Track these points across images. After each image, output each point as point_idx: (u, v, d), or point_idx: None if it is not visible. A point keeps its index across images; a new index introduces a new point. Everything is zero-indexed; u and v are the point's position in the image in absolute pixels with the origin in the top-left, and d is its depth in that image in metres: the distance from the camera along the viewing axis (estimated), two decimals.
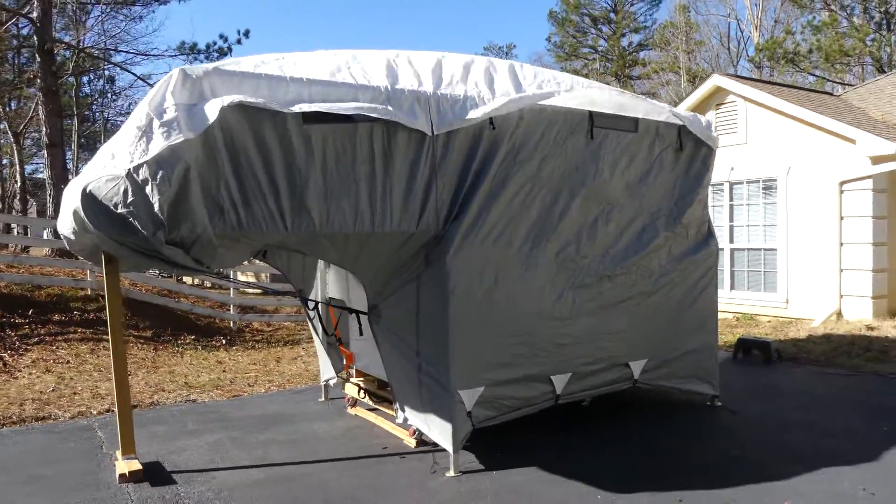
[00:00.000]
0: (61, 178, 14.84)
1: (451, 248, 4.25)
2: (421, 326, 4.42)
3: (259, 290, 14.36)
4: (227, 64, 3.74)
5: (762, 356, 7.35)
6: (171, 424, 5.68)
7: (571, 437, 5.05)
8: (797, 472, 4.23)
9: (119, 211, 3.33)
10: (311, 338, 11.84)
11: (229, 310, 12.24)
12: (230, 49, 21.07)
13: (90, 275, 11.14)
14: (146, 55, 21.49)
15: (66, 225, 3.89)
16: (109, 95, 31.05)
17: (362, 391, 5.58)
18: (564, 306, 4.76)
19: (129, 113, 25.09)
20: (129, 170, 3.28)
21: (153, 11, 33.14)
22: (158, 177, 3.28)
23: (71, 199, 4.08)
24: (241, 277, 14.57)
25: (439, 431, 4.41)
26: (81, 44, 22.82)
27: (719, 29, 41.28)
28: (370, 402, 5.71)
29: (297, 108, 3.62)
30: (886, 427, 5.06)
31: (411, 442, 4.94)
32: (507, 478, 4.26)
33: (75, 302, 10.61)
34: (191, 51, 21.58)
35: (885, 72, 31.79)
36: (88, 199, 3.35)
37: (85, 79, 28.28)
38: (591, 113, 4.86)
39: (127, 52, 23.36)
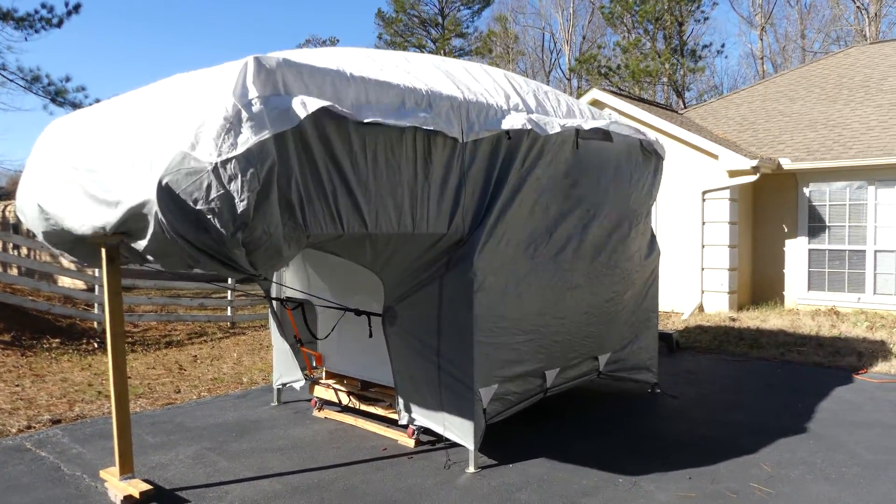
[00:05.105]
0: None
1: (476, 250, 4.36)
2: (443, 327, 4.47)
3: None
4: (293, 55, 3.53)
5: (665, 346, 8.22)
6: None
7: (553, 427, 5.37)
8: (762, 444, 4.91)
9: (198, 207, 3.05)
10: (190, 338, 11.16)
11: (93, 309, 11.04)
12: (60, 22, 18.82)
13: None
14: None
15: (86, 218, 3.44)
16: None
17: (349, 394, 5.46)
18: (563, 305, 5.07)
19: None
20: (217, 164, 3.02)
21: None
22: (249, 173, 3.06)
23: (72, 184, 3.64)
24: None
25: (459, 430, 4.51)
26: None
27: (535, 40, 44.35)
28: (341, 404, 5.59)
29: (370, 120, 3.58)
30: (801, 404, 5.99)
31: (409, 442, 4.96)
32: (527, 470, 4.47)
33: None
34: (5, 17, 18.93)
35: (680, 92, 36.34)
36: (165, 192, 3.02)
37: None
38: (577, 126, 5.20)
39: None
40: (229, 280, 11.24)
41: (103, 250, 3.82)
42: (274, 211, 3.23)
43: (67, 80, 18.43)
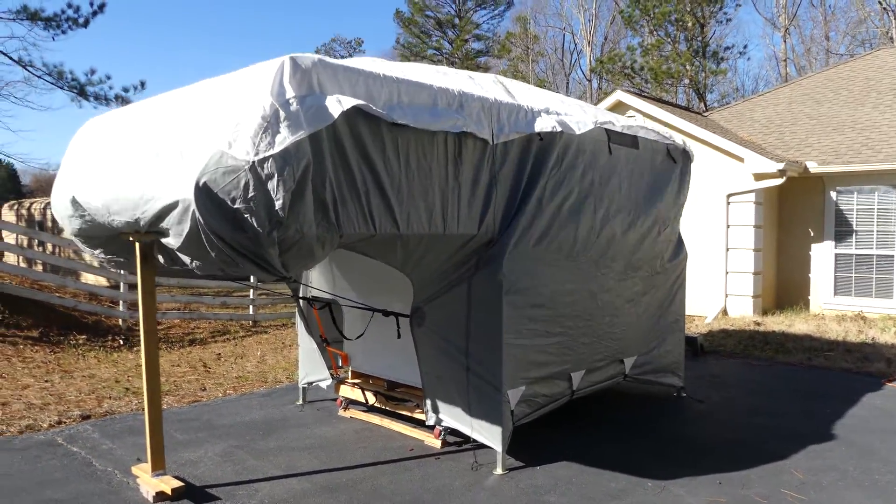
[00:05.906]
0: None
1: (506, 251, 4.36)
2: (472, 328, 4.47)
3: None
4: (327, 57, 3.56)
5: (689, 349, 8.13)
6: None
7: (580, 429, 5.34)
8: (792, 450, 4.85)
9: (236, 206, 3.07)
10: (213, 336, 11.25)
11: (118, 306, 11.17)
12: (87, 22, 19.09)
13: None
14: None
15: (123, 212, 3.48)
16: None
17: (375, 394, 5.48)
18: (594, 308, 5.05)
19: None
20: (254, 162, 3.04)
21: None
22: (285, 172, 3.08)
23: (108, 185, 3.69)
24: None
25: (487, 431, 4.50)
26: None
27: (555, 41, 44.15)
28: (367, 404, 5.61)
29: (403, 121, 3.61)
30: (830, 410, 5.91)
31: (435, 443, 4.96)
32: (554, 472, 4.46)
33: None
34: (33, 17, 19.23)
35: (701, 94, 36.00)
36: (203, 191, 3.05)
37: None
38: (607, 131, 5.19)
39: None
40: (251, 278, 11.31)
41: (137, 248, 3.86)
42: (308, 210, 3.25)
43: (92, 72, 18.71)
